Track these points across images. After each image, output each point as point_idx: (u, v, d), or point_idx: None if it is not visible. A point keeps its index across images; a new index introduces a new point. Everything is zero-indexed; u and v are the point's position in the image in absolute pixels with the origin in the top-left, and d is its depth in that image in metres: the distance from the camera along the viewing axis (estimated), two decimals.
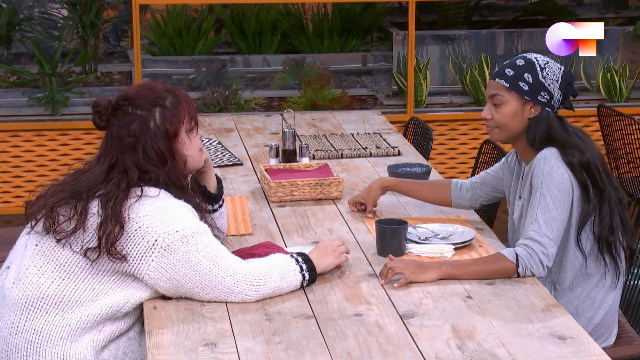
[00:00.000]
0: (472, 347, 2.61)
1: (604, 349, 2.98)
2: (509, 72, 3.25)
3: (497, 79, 3.27)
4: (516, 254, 3.07)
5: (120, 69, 7.70)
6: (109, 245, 2.78)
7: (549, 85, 3.22)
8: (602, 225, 3.18)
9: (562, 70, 3.25)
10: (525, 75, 3.23)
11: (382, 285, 3.01)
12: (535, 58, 3.25)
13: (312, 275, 2.97)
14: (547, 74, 3.22)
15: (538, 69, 3.23)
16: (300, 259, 2.97)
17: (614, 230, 3.19)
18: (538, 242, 3.09)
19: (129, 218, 2.80)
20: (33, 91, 6.93)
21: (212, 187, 3.23)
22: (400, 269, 3.02)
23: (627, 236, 3.25)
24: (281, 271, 2.92)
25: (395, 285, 3.00)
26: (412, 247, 3.25)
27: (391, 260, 3.09)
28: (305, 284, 2.96)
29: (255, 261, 2.95)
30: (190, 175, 3.14)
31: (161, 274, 2.82)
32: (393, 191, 3.77)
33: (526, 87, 3.22)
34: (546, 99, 3.22)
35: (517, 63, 3.26)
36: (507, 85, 3.24)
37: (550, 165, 3.16)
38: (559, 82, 3.23)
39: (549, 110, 3.24)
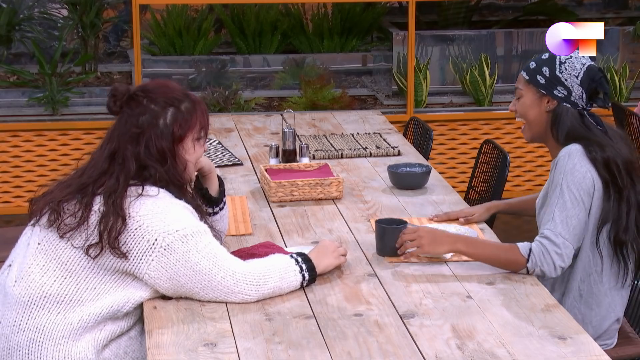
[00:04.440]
0: (472, 347, 2.61)
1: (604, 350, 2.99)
2: (532, 65, 3.29)
3: (521, 72, 3.32)
4: (530, 249, 3.08)
5: (120, 69, 7.70)
6: (111, 240, 2.78)
7: (566, 80, 3.22)
8: (618, 224, 3.16)
9: (585, 66, 3.23)
10: (544, 68, 3.25)
11: (381, 285, 3.02)
12: (561, 58, 3.26)
13: (312, 275, 2.97)
14: (565, 69, 3.23)
15: (557, 63, 3.24)
16: (300, 259, 2.97)
17: (627, 231, 3.17)
18: (552, 242, 3.09)
19: (129, 216, 2.81)
20: (33, 91, 6.93)
21: (213, 190, 3.23)
22: (416, 242, 3.10)
23: (638, 240, 3.22)
24: (281, 271, 2.92)
25: (404, 257, 3.13)
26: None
27: (410, 226, 3.14)
28: (305, 284, 2.96)
29: (255, 261, 2.95)
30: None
31: (161, 274, 2.82)
32: (505, 213, 3.70)
33: (542, 81, 3.25)
34: (563, 94, 3.23)
35: (542, 56, 3.29)
36: (527, 78, 3.28)
37: (573, 162, 3.14)
38: (580, 77, 3.22)
39: (568, 106, 3.22)
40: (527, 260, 3.07)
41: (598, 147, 3.17)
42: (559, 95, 3.23)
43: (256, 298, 2.88)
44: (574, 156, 3.15)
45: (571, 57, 3.25)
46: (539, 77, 3.25)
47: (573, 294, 3.25)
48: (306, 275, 2.95)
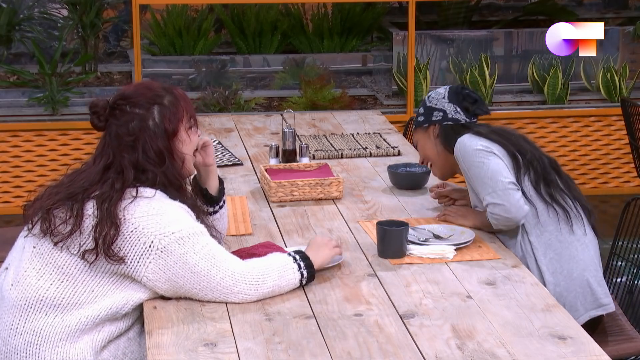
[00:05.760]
0: (472, 347, 2.61)
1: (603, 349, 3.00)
2: (414, 119, 3.72)
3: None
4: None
5: (120, 69, 7.70)
6: (105, 247, 2.77)
7: (436, 104, 3.60)
8: (537, 180, 3.40)
9: (447, 88, 3.64)
10: (419, 110, 3.66)
11: (381, 285, 3.02)
12: (428, 94, 3.69)
13: (310, 272, 2.97)
14: (433, 97, 3.63)
15: (426, 99, 3.66)
16: (297, 257, 2.97)
17: (550, 183, 3.41)
18: (490, 204, 3.36)
19: (124, 219, 2.79)
20: (33, 91, 6.93)
21: (213, 189, 3.20)
22: (454, 214, 3.54)
23: (570, 191, 3.44)
24: (280, 270, 2.91)
25: (437, 217, 3.60)
26: (412, 249, 3.25)
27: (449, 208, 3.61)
28: (304, 282, 2.96)
29: (253, 260, 2.94)
30: (191, 177, 3.13)
31: (159, 276, 2.82)
32: None
33: (422, 118, 3.64)
34: (440, 115, 3.59)
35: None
36: (415, 127, 3.69)
37: (463, 144, 3.45)
38: (446, 97, 3.59)
39: (450, 123, 3.56)
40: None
41: (485, 129, 3.51)
42: (436, 118, 3.59)
43: (256, 298, 2.88)
44: (462, 141, 3.46)
45: (435, 89, 3.67)
46: (419, 118, 3.65)
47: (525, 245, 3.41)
48: (304, 272, 2.95)
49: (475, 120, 3.58)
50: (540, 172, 3.41)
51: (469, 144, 3.43)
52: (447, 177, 3.69)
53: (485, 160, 3.38)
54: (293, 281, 2.94)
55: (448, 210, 3.59)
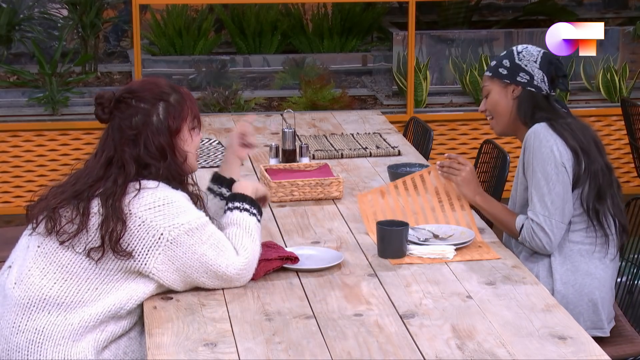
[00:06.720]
0: (472, 347, 2.61)
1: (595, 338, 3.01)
2: (492, 63, 3.49)
3: (484, 73, 3.50)
4: (522, 226, 3.32)
5: (120, 69, 7.70)
6: (113, 243, 2.78)
7: (526, 66, 3.40)
8: (589, 193, 3.29)
9: (541, 51, 3.42)
10: (504, 61, 3.44)
11: (382, 285, 3.02)
12: (516, 46, 3.47)
13: (259, 210, 3.09)
14: (524, 56, 3.41)
15: (515, 53, 3.43)
16: (248, 205, 3.06)
17: (602, 201, 3.31)
18: (536, 222, 3.28)
19: (130, 213, 2.80)
20: (33, 91, 6.93)
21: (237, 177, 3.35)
22: (458, 173, 3.44)
23: (617, 212, 3.34)
24: (254, 234, 3.00)
25: (442, 178, 3.51)
26: (412, 249, 3.25)
27: (456, 160, 3.47)
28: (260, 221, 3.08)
29: (240, 241, 2.98)
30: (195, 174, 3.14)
31: (168, 266, 2.83)
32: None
33: (505, 72, 3.43)
34: (526, 79, 3.40)
35: (501, 54, 3.48)
36: (490, 74, 3.47)
37: (539, 140, 3.30)
38: (538, 62, 3.39)
39: (532, 90, 3.39)
40: (519, 234, 3.33)
41: (562, 120, 3.33)
42: (522, 80, 3.40)
43: (251, 275, 2.98)
44: (538, 133, 3.30)
45: (527, 46, 3.45)
46: (500, 70, 3.43)
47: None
48: (256, 213, 3.06)
49: (554, 94, 3.42)
50: (597, 187, 3.29)
51: (545, 140, 3.27)
52: (504, 135, 3.56)
53: (554, 177, 3.25)
54: (258, 231, 3.03)
55: (456, 165, 3.47)
